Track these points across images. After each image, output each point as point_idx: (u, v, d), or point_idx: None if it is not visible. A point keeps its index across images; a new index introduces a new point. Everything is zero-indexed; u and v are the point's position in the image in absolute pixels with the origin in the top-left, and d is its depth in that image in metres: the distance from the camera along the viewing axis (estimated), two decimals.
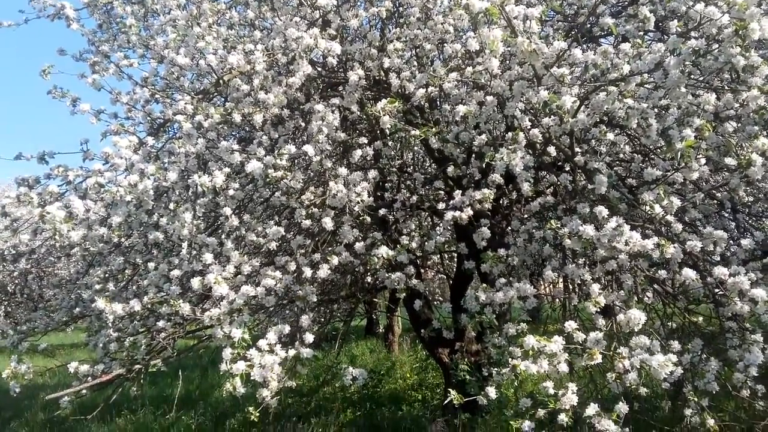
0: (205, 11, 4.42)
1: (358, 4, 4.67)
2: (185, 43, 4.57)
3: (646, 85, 3.59)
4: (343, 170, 4.02)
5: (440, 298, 9.74)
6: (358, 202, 3.96)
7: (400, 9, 4.83)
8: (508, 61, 4.01)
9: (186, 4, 4.70)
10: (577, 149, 3.91)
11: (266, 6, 4.81)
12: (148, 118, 4.76)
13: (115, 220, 3.83)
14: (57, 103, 4.68)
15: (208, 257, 3.74)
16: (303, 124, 4.61)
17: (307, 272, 3.78)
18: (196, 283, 3.51)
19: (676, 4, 3.84)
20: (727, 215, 4.23)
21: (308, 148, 3.93)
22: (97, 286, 4.59)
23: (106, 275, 4.73)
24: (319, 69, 4.81)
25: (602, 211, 3.21)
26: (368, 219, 4.23)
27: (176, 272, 3.83)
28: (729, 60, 3.09)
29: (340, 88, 4.83)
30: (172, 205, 4.19)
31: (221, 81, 4.48)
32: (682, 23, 3.51)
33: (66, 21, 4.71)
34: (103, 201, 4.01)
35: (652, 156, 4.06)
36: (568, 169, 3.95)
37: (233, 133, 5.30)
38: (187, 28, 4.51)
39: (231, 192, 3.95)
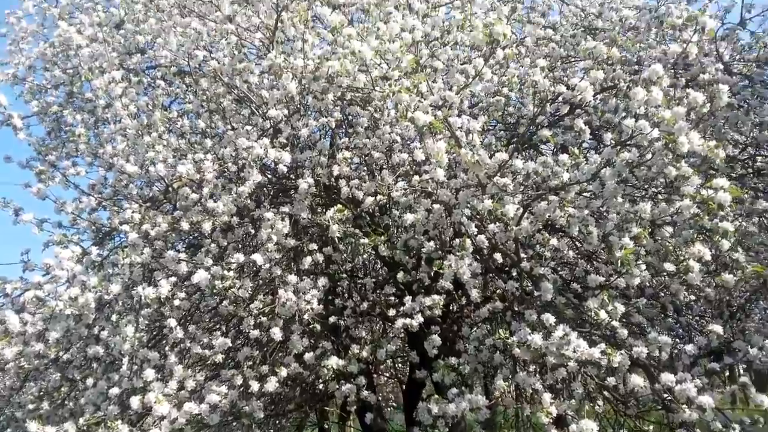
0: (155, 122, 4.46)
1: (309, 113, 4.79)
2: (135, 150, 4.58)
3: (585, 194, 3.73)
4: (292, 278, 3.98)
5: (394, 404, 9.47)
6: (308, 310, 3.90)
7: (350, 118, 4.97)
8: (453, 169, 4.13)
9: (137, 113, 4.73)
10: (522, 255, 3.98)
11: (218, 116, 4.90)
12: (93, 227, 4.68)
13: (53, 335, 3.66)
14: None
15: (150, 373, 3.58)
16: (253, 231, 4.59)
17: (254, 386, 3.65)
18: (135, 402, 3.34)
19: (609, 115, 4.06)
20: (671, 317, 4.32)
21: (257, 257, 3.90)
22: (31, 406, 4.32)
23: (41, 392, 4.47)
24: (270, 175, 4.86)
25: (549, 318, 3.23)
26: (318, 327, 4.15)
27: (115, 390, 3.64)
28: (661, 170, 3.24)
29: (291, 192, 4.87)
30: (114, 317, 4.05)
31: (170, 188, 4.48)
32: (616, 134, 3.70)
33: (14, 130, 4.67)
34: (42, 314, 3.86)
35: (595, 260, 4.17)
36: (515, 274, 4.01)
37: (182, 239, 5.24)
38: (138, 137, 4.52)
39: (176, 302, 3.85)
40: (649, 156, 3.29)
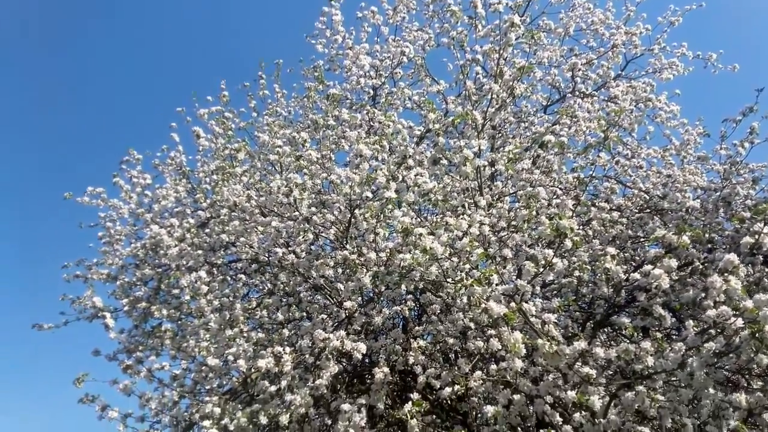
0: (237, 317, 4.65)
1: (382, 301, 4.90)
2: (217, 343, 4.73)
3: (673, 381, 3.58)
4: None
5: None
6: None
7: (422, 304, 5.04)
8: (531, 355, 4.05)
9: (220, 308, 4.95)
10: None
11: (294, 306, 5.07)
12: (175, 421, 4.74)
13: None
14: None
15: None
16: (329, 422, 4.55)
17: None
18: None
19: (688, 295, 3.98)
20: None
21: None
22: None
23: None
24: (345, 363, 4.89)
25: None
26: None
27: None
28: (751, 359, 3.11)
29: (367, 378, 4.85)
30: None
31: (249, 379, 4.55)
32: (697, 323, 3.61)
33: (106, 329, 4.94)
34: None
35: None
36: None
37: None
38: (220, 331, 4.70)
39: None
40: (736, 343, 3.18)
